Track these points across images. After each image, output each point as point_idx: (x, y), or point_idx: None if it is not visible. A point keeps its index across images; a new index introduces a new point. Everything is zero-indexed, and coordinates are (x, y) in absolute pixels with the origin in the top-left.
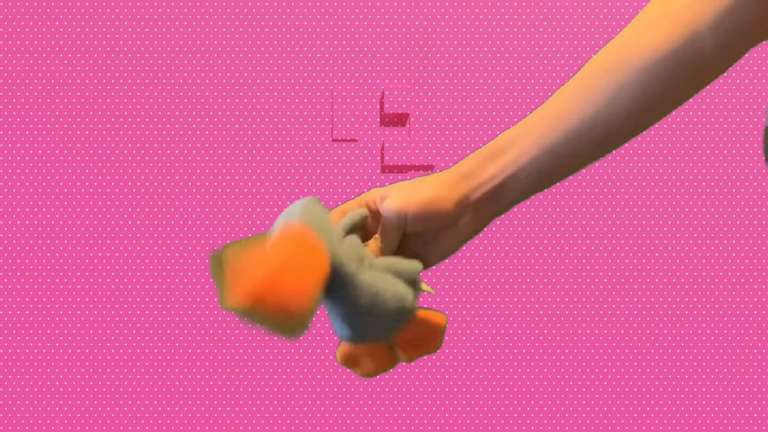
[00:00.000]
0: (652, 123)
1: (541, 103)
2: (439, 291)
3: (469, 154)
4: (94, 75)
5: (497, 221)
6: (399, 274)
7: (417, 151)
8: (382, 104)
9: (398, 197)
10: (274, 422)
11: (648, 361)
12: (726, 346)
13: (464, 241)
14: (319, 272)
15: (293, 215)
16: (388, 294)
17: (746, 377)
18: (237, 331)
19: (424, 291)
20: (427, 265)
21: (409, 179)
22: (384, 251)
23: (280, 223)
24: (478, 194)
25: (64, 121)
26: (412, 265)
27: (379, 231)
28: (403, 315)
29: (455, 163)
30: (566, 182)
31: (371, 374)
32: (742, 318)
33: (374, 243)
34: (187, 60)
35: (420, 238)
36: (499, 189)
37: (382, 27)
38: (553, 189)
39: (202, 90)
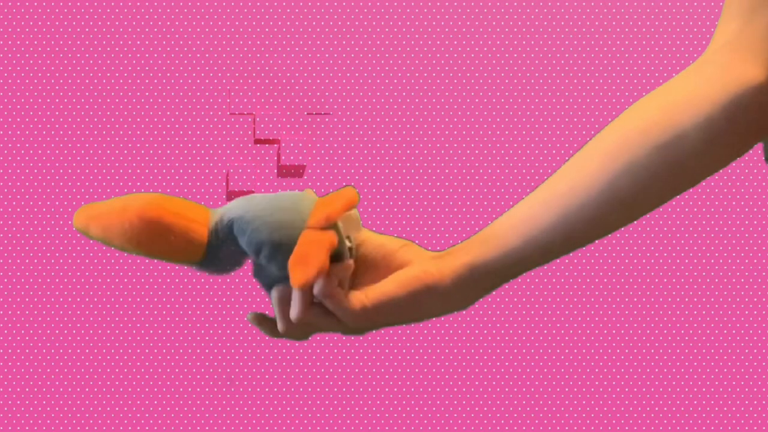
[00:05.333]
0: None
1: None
2: None
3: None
4: (68, 75)
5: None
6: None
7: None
8: (278, 156)
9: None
10: (275, 422)
11: (648, 362)
12: (726, 346)
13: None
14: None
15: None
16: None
17: (746, 377)
18: (236, 332)
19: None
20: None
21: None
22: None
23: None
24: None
25: (66, 120)
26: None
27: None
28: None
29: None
30: None
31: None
32: (742, 318)
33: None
34: (161, 60)
35: None
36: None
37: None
38: None
39: (193, 91)
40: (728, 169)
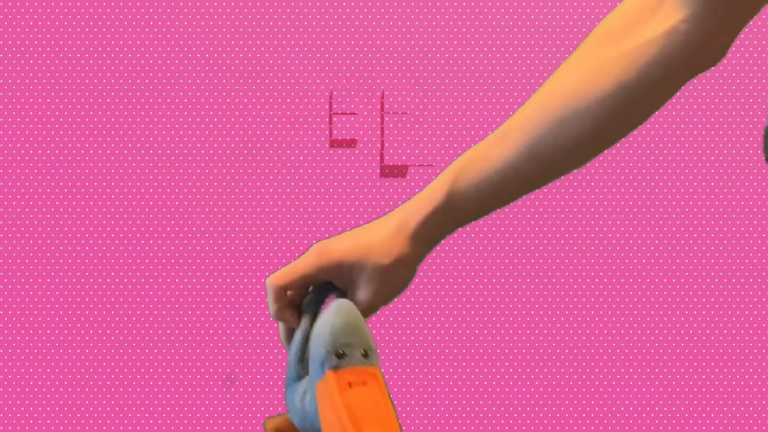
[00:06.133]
0: (597, 152)
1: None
2: (431, 288)
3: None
4: (85, 75)
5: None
6: None
7: (417, 151)
8: (381, 155)
9: (368, 291)
10: None
11: (648, 362)
12: (726, 346)
13: (403, 287)
14: None
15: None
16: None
17: (746, 377)
18: (236, 332)
19: None
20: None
21: (353, 230)
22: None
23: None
24: (423, 233)
25: (66, 121)
26: None
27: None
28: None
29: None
30: (564, 180)
31: None
32: (742, 318)
33: None
34: (179, 60)
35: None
36: (442, 226)
37: (381, 26)
38: (549, 185)
39: (193, 90)
40: (728, 169)
